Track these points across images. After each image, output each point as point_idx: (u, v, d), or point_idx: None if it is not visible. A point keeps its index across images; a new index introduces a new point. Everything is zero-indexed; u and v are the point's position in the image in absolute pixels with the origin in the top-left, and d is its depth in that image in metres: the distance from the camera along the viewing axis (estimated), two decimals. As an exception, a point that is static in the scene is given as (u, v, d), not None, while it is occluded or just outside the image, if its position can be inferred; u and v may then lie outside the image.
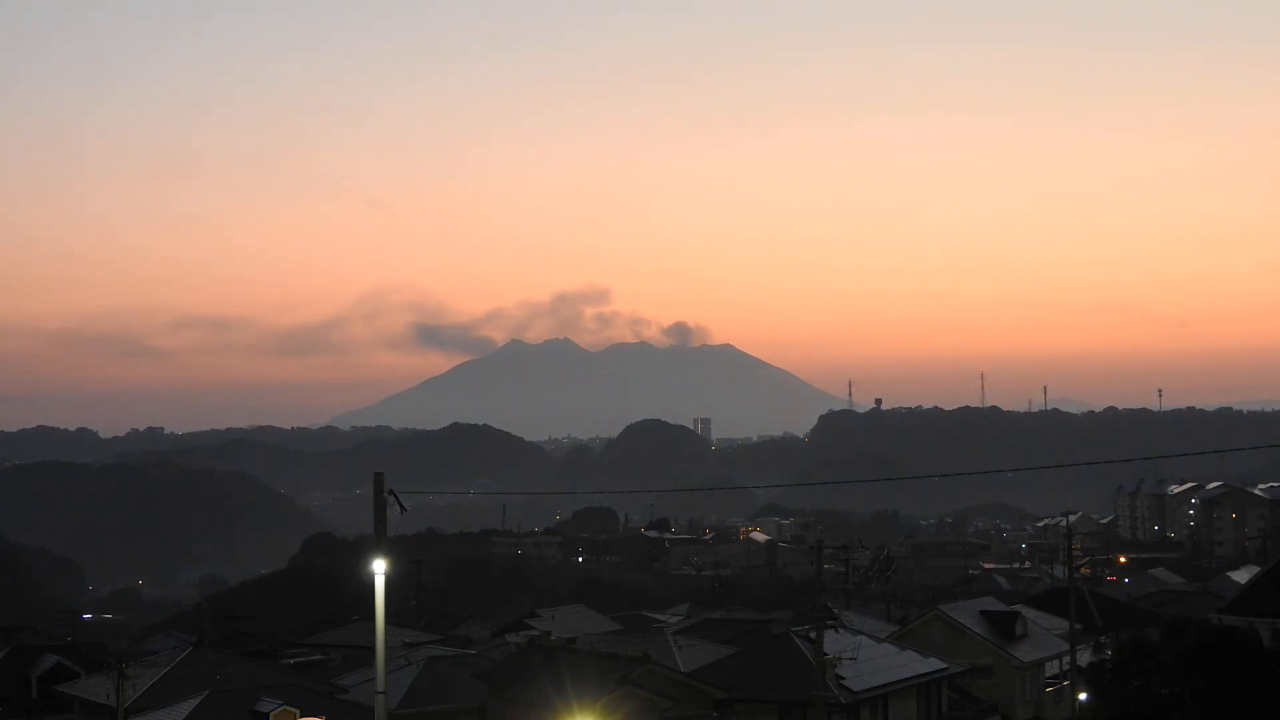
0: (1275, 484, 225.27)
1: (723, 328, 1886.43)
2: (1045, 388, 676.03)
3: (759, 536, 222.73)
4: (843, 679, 48.56)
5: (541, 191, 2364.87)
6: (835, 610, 64.81)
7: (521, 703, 47.13)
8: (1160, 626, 50.58)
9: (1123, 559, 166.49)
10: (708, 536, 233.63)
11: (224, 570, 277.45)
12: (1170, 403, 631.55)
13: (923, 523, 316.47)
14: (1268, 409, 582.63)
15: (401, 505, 31.75)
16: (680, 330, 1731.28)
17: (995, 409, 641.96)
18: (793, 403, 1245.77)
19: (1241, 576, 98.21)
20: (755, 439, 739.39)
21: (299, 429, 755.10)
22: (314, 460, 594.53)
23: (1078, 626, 66.39)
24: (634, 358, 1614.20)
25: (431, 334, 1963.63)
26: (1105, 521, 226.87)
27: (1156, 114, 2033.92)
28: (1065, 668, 66.72)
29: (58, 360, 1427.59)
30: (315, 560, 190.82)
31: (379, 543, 32.31)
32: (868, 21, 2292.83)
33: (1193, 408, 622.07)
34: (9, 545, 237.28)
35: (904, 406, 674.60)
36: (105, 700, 50.32)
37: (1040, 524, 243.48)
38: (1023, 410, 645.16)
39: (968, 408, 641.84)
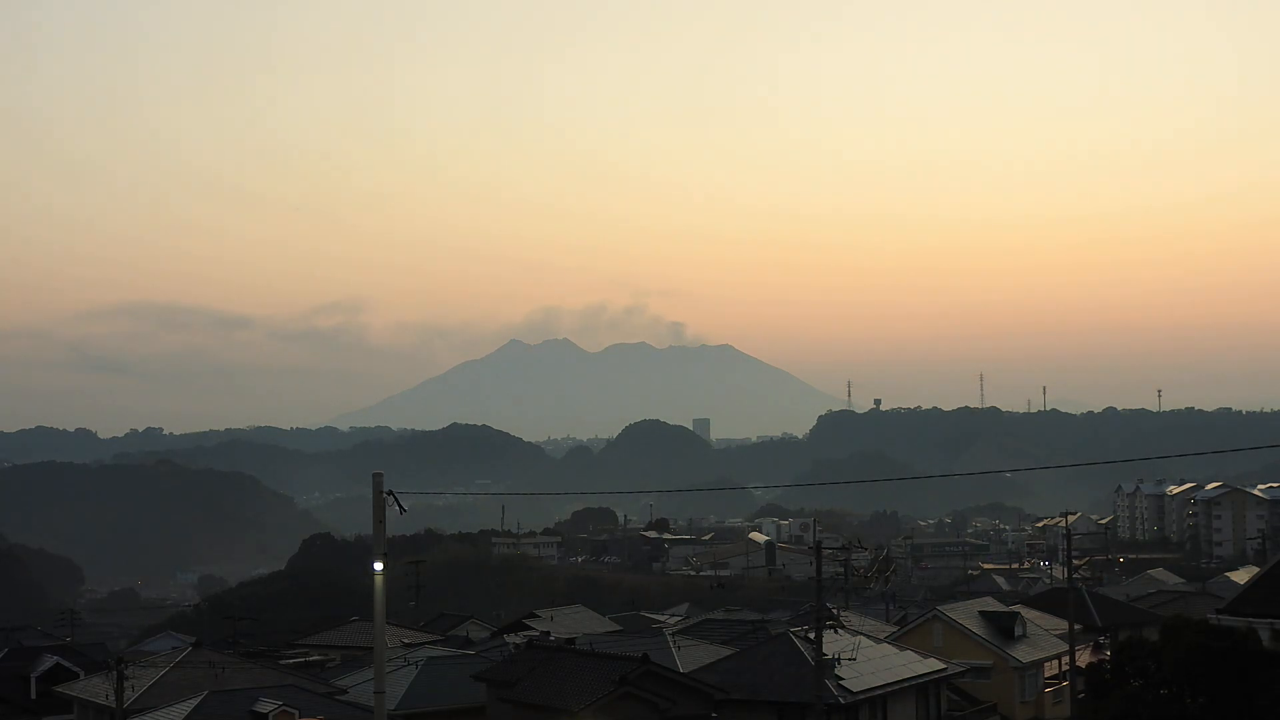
0: (1275, 484, 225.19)
1: (722, 328, 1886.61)
2: (1045, 388, 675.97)
3: (758, 537, 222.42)
4: (842, 679, 48.60)
5: (541, 191, 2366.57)
6: (834, 610, 64.80)
7: (521, 703, 47.15)
8: (1159, 627, 50.55)
9: (1121, 559, 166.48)
10: (707, 537, 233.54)
11: (223, 570, 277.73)
12: (1170, 403, 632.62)
13: (922, 523, 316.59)
14: (1268, 409, 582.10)
15: (400, 505, 31.73)
16: (679, 330, 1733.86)
17: (995, 409, 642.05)
18: (792, 403, 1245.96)
19: (1241, 577, 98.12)
20: (755, 439, 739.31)
21: (298, 429, 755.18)
22: (313, 460, 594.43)
23: (1077, 627, 66.43)
24: (633, 358, 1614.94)
25: (431, 334, 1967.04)
26: (1104, 522, 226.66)
27: (1158, 116, 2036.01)
28: (1064, 668, 66.73)
29: (57, 360, 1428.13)
30: (314, 561, 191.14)
31: (378, 543, 32.31)
32: (867, 20, 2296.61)
33: (1192, 408, 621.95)
34: (8, 545, 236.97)
35: (903, 407, 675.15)
36: (104, 701, 50.34)
37: (1039, 524, 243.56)
38: (1022, 411, 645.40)
39: (967, 408, 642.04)
